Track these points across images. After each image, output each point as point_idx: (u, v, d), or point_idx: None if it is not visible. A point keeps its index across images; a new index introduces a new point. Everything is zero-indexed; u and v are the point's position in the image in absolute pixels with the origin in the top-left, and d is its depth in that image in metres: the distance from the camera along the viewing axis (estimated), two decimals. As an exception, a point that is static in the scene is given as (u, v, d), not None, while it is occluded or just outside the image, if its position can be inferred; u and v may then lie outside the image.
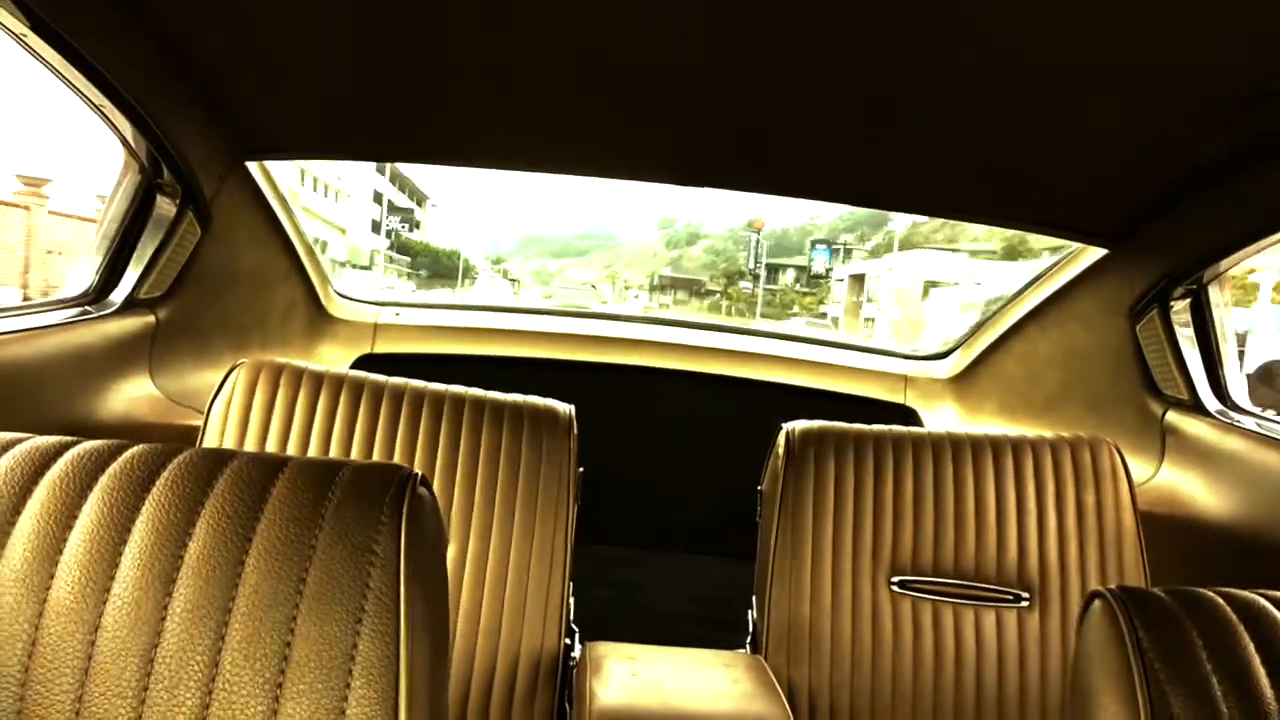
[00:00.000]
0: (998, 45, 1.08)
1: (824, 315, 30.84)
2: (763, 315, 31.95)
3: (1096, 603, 0.78)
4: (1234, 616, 0.75)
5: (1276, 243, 1.45)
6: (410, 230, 33.24)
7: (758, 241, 33.69)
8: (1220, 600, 0.76)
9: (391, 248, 29.07)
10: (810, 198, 1.87)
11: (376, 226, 28.48)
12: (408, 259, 32.64)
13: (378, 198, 28.37)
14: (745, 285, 35.79)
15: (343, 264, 23.37)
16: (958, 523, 1.47)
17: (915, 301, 24.72)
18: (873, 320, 27.06)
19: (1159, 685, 0.71)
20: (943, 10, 1.00)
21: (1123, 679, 0.73)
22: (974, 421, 2.29)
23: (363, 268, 25.97)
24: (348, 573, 0.61)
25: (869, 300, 27.87)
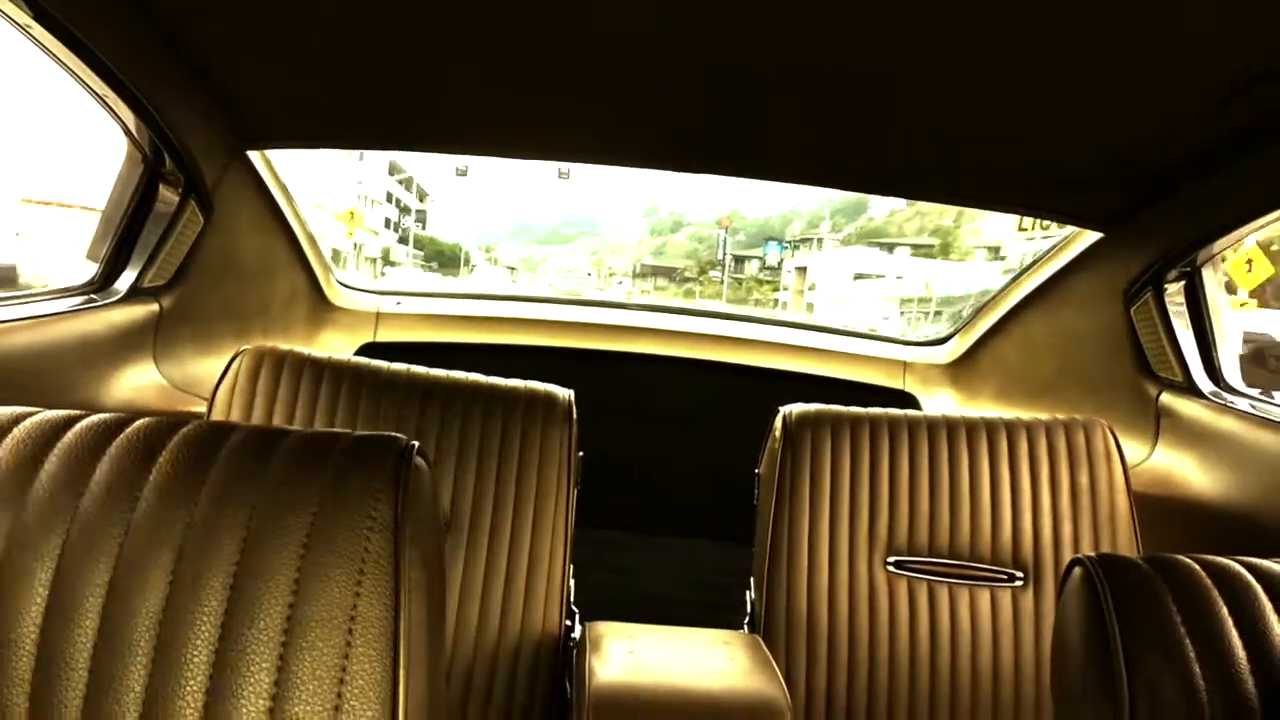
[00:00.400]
0: (995, 32, 0.98)
1: (776, 301, 32.34)
2: (727, 300, 32.89)
3: (1076, 570, 0.76)
4: (1207, 580, 0.72)
5: (1269, 224, 1.31)
6: (423, 228, 33.04)
7: (725, 239, 34.47)
8: (1195, 565, 0.73)
9: (401, 241, 28.82)
10: (809, 184, 1.77)
11: (389, 223, 28.26)
12: (421, 253, 32.49)
13: (389, 197, 28.05)
14: (715, 274, 36.41)
15: (374, 260, 23.33)
16: (953, 504, 1.37)
17: (844, 289, 27.02)
18: (812, 305, 28.67)
19: (1135, 647, 0.68)
20: None
21: (1099, 642, 0.70)
22: (972, 406, 2.18)
23: (398, 264, 26.20)
24: (347, 537, 0.59)
25: (810, 288, 29.65)
